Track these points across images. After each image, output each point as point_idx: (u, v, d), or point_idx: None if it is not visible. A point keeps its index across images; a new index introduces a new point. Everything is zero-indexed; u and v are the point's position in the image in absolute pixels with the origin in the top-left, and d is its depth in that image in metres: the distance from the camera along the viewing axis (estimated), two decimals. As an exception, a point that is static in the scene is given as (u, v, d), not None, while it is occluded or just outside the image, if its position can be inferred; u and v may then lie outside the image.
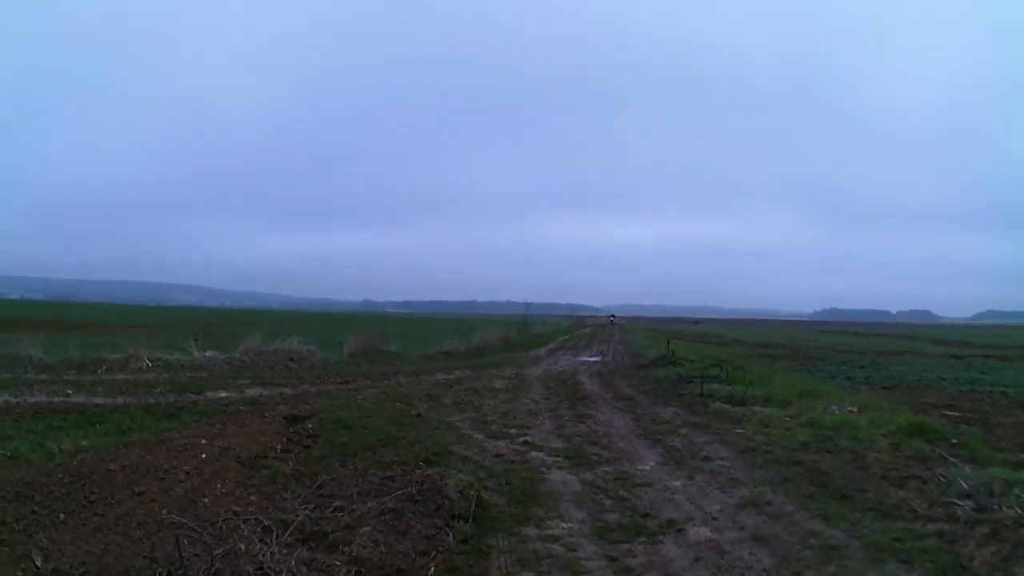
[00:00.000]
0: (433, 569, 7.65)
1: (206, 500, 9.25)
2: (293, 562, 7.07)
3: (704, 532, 8.96)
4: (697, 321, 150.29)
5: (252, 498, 9.68)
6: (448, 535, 8.58)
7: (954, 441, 13.94)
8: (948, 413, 19.04)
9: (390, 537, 8.31)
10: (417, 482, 10.17)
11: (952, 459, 12.30)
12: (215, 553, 6.97)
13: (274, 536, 7.83)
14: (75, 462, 10.19)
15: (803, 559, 8.07)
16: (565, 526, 9.24)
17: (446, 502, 9.48)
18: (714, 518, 9.61)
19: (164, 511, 8.52)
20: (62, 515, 8.20)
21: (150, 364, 22.76)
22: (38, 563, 6.97)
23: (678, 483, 11.44)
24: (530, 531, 9.04)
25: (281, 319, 57.68)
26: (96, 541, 7.64)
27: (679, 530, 9.07)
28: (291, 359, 27.88)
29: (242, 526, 8.15)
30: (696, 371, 26.53)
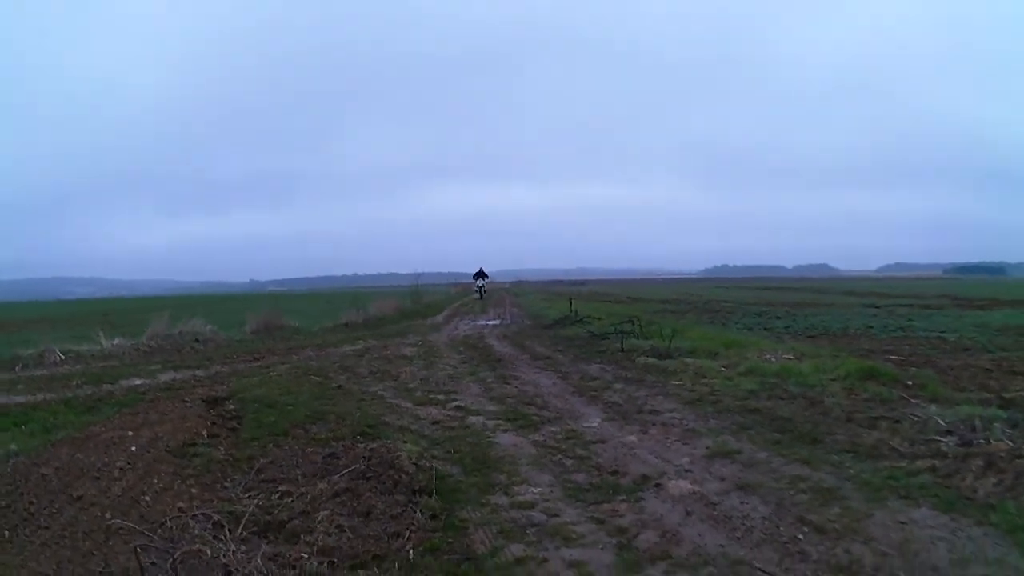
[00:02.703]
0: (412, 551, 6.81)
1: (147, 498, 8.12)
2: (259, 559, 6.12)
3: (684, 485, 8.34)
4: (583, 282, 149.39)
5: (193, 491, 8.61)
6: (415, 512, 7.77)
7: (909, 383, 13.56)
8: (892, 357, 18.42)
9: (353, 520, 7.46)
10: (364, 457, 9.41)
11: (914, 400, 11.95)
12: (174, 557, 5.99)
13: (227, 531, 6.85)
14: (8, 469, 8.93)
15: (800, 503, 7.60)
16: (534, 491, 8.50)
17: (403, 476, 8.72)
18: (687, 470, 9.00)
19: (108, 515, 7.42)
20: (6, 532, 7.02)
21: (63, 357, 21.41)
22: (-12, 595, 5.80)
23: (633, 438, 10.78)
24: (499, 499, 8.28)
25: (176, 303, 55.98)
26: (47, 559, 6.50)
27: (656, 485, 8.44)
28: (196, 340, 26.75)
29: (191, 524, 7.15)
30: (607, 328, 26.04)
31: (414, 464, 9.10)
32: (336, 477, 8.68)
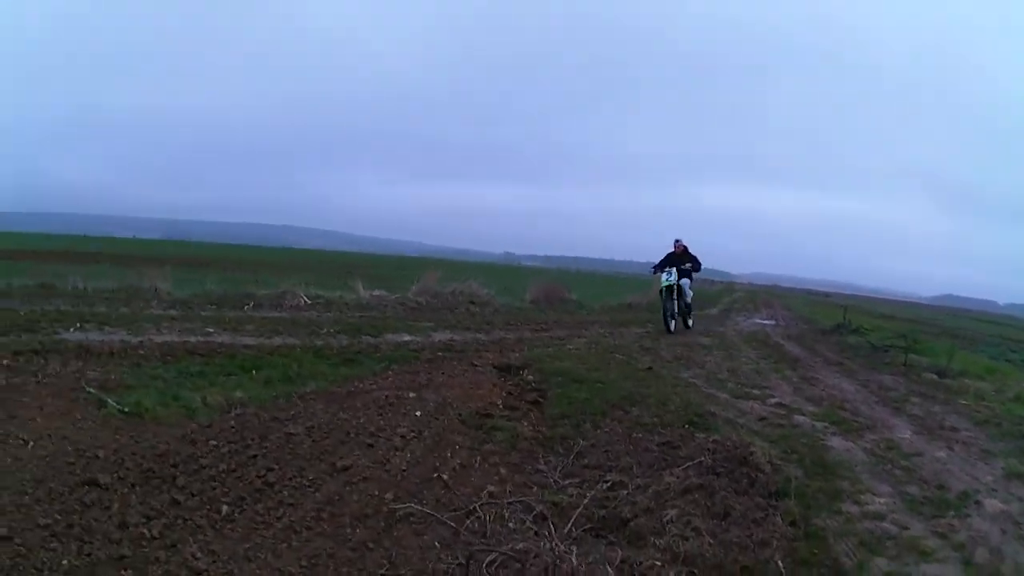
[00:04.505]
0: (780, 561, 6.36)
1: (444, 477, 7.54)
2: (610, 569, 5.41)
3: (996, 504, 8.83)
4: (828, 294, 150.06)
5: (501, 471, 8.08)
6: (776, 516, 7.30)
7: None
8: None
9: (709, 522, 6.91)
10: (707, 450, 8.83)
11: None
12: (501, 553, 5.35)
13: (550, 526, 6.27)
14: (231, 423, 8.20)
15: (1093, 528, 8.29)
16: (880, 501, 8.70)
17: (759, 475, 8.24)
18: (993, 489, 9.51)
19: (389, 495, 6.81)
20: (224, 507, 6.15)
21: (308, 301, 21.49)
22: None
23: (943, 453, 11.28)
24: (850, 508, 8.39)
25: (434, 264, 56.78)
26: (292, 551, 5.69)
27: (976, 503, 8.90)
28: (472, 302, 27.02)
29: (506, 515, 6.59)
30: (884, 340, 27.66)
31: (769, 463, 8.68)
32: (680, 470, 8.17)
